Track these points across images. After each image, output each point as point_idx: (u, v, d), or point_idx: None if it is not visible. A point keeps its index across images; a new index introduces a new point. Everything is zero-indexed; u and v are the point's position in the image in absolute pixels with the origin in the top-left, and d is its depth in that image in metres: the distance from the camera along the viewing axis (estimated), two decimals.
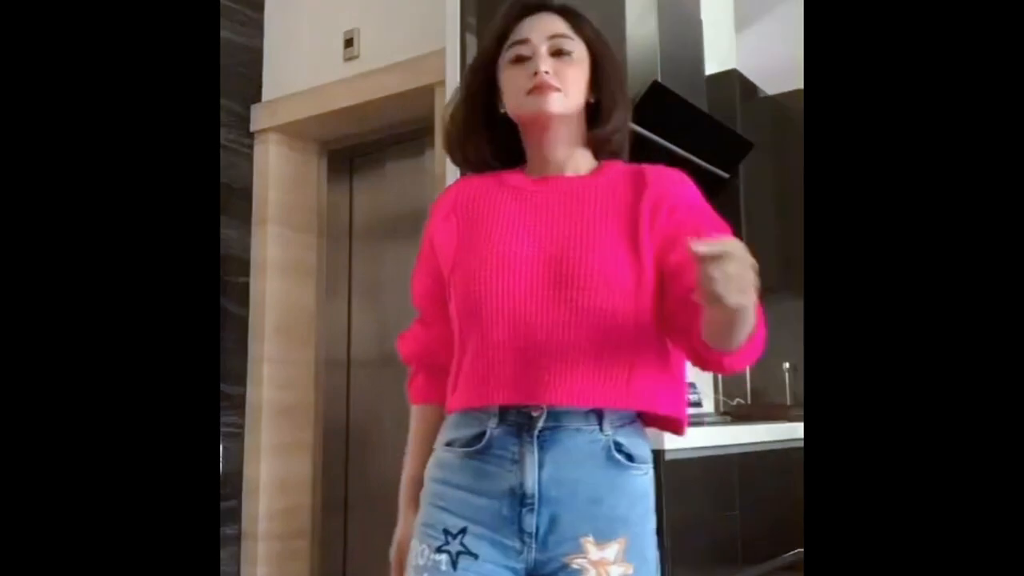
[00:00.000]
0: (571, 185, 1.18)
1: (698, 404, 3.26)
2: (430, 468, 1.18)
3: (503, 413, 1.10)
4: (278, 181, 3.23)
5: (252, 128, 3.21)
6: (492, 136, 1.23)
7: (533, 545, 1.08)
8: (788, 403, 3.40)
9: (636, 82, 2.83)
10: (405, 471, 1.27)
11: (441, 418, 1.20)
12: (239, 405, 3.03)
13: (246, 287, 3.11)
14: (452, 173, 2.31)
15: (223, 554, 2.94)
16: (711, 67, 3.45)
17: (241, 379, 3.06)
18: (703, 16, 3.49)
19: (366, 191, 3.39)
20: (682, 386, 1.18)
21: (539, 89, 1.13)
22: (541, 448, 1.08)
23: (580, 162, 1.21)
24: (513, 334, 1.09)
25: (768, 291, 3.85)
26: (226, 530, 2.97)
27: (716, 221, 1.15)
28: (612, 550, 1.08)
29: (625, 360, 1.09)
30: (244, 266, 3.10)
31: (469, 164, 1.27)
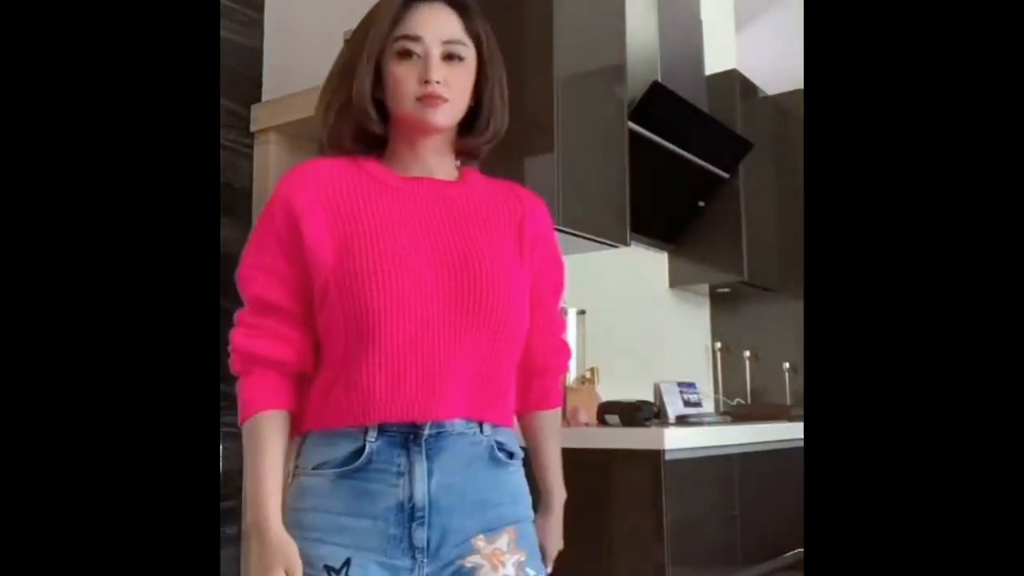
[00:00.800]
0: (447, 191, 1.15)
1: (698, 404, 3.26)
2: (292, 498, 1.08)
3: (383, 426, 1.04)
4: (278, 181, 3.23)
5: (252, 128, 3.21)
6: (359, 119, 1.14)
7: (424, 560, 1.03)
8: (788, 403, 3.40)
9: (636, 82, 2.83)
10: (267, 498, 1.05)
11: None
12: None
13: None
14: None
15: (223, 554, 2.94)
16: (711, 67, 3.45)
17: None
18: (703, 16, 3.49)
19: None
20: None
21: (429, 100, 1.09)
22: (429, 457, 1.04)
23: (448, 165, 1.18)
24: (411, 348, 1.03)
25: (768, 291, 3.87)
26: (226, 530, 2.97)
27: (560, 263, 1.26)
28: (503, 540, 1.08)
29: (510, 374, 1.14)
30: None
31: (330, 142, 1.18)
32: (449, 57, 1.11)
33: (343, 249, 1.07)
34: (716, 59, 3.56)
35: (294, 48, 3.24)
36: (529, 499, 1.16)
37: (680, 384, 3.24)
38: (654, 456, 1.95)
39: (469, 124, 1.17)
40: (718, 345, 3.65)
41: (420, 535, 1.03)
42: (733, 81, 3.45)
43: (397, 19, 1.11)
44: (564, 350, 1.28)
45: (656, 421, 2.36)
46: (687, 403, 3.20)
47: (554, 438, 1.28)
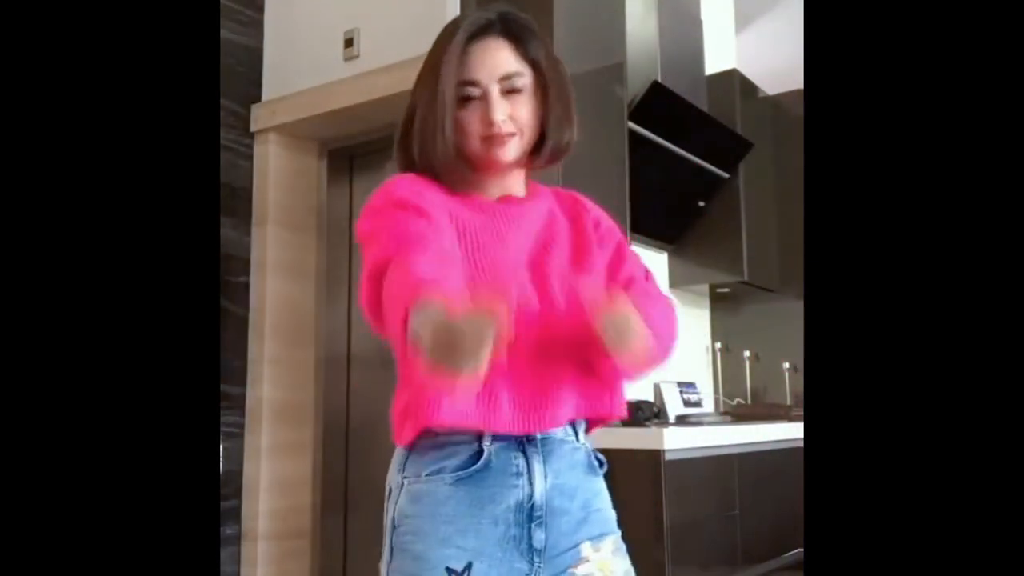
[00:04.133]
0: (526, 206, 1.17)
1: (698, 404, 3.26)
2: (406, 506, 1.08)
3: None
4: (278, 181, 3.23)
5: (252, 128, 3.21)
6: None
7: (541, 564, 1.05)
8: (788, 403, 3.40)
9: (636, 82, 2.83)
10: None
11: None
12: (239, 405, 3.03)
13: (246, 287, 3.11)
14: None
15: (223, 554, 2.94)
16: (711, 67, 3.45)
17: (241, 379, 3.06)
18: (703, 16, 3.49)
19: (366, 191, 3.37)
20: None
21: (496, 139, 1.10)
22: (545, 459, 1.07)
23: (520, 183, 1.20)
24: (512, 357, 0.99)
25: (768, 291, 3.86)
26: (226, 530, 2.97)
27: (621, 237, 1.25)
28: (607, 548, 1.09)
29: (601, 373, 1.10)
30: (244, 266, 3.10)
31: (407, 171, 1.16)
32: (509, 92, 1.12)
33: (470, 263, 1.07)
34: (716, 59, 3.56)
35: (294, 48, 3.24)
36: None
37: (680, 384, 3.24)
38: (654, 456, 1.95)
39: (536, 146, 1.16)
40: (718, 345, 3.65)
41: (539, 536, 1.05)
42: (733, 81, 3.45)
43: (459, 65, 1.13)
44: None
45: (656, 421, 2.36)
46: (687, 403, 3.20)
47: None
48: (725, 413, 3.34)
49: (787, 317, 3.53)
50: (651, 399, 2.97)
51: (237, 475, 3.02)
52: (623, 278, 1.17)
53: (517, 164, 1.17)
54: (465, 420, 1.03)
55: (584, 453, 1.12)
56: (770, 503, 2.40)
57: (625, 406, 1.18)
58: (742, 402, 3.51)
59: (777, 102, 3.66)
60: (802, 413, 2.84)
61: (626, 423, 2.27)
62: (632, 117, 2.67)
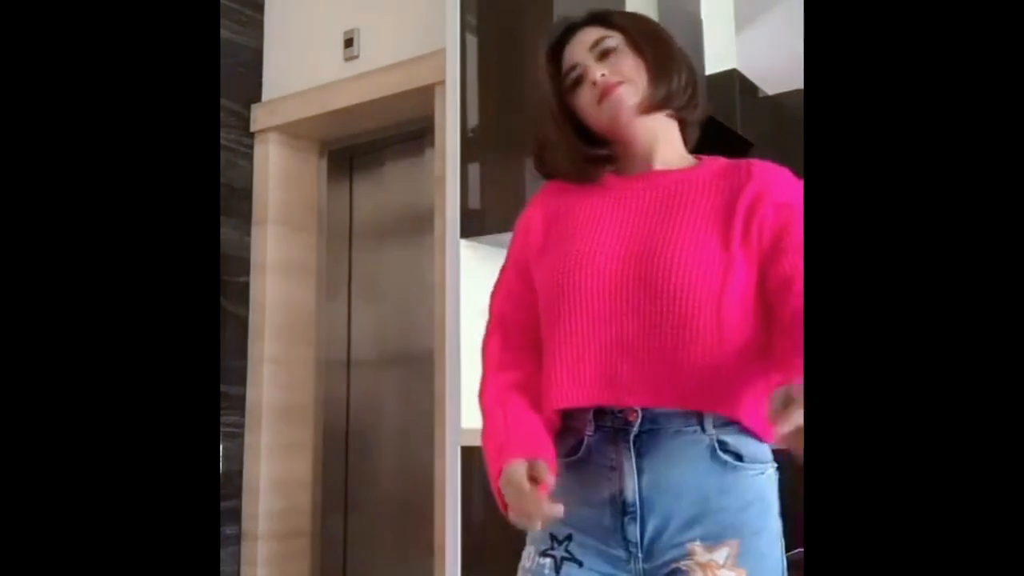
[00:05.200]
0: (662, 180, 1.17)
1: None
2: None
3: (598, 418, 1.08)
4: (278, 181, 3.23)
5: (252, 128, 3.21)
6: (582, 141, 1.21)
7: (639, 554, 1.05)
8: None
9: None
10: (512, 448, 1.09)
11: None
12: (239, 405, 3.03)
13: (246, 287, 3.11)
14: (452, 173, 2.31)
15: (223, 554, 2.94)
16: (711, 67, 3.45)
17: (241, 379, 3.06)
18: (703, 16, 3.49)
19: (366, 191, 3.39)
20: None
21: (606, 94, 1.15)
22: (639, 454, 1.05)
23: (669, 155, 1.20)
24: (588, 341, 1.08)
25: None
26: (226, 530, 2.97)
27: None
28: (722, 553, 1.04)
29: (702, 363, 1.04)
30: (244, 266, 3.10)
31: (548, 174, 1.28)
32: (604, 55, 1.17)
33: (548, 248, 1.18)
34: (716, 59, 3.56)
35: (294, 48, 3.24)
36: (771, 510, 1.09)
37: None
38: None
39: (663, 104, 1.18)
40: None
41: (632, 530, 1.06)
42: (733, 81, 3.44)
43: (559, 62, 1.21)
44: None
45: None
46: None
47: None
48: None
49: None
50: None
51: (237, 475, 3.02)
52: (775, 278, 1.06)
53: (660, 131, 1.18)
54: (567, 400, 1.09)
55: (707, 446, 1.05)
56: None
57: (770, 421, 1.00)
58: None
59: (777, 102, 3.65)
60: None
61: None
62: None
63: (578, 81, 1.18)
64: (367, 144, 3.32)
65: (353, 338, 3.29)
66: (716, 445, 1.05)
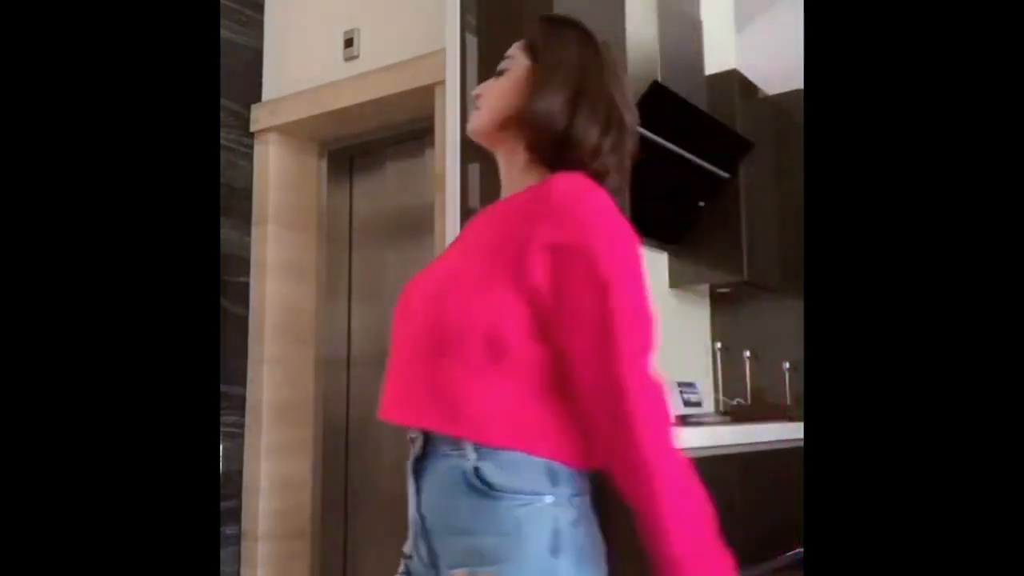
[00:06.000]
0: (494, 208, 1.19)
1: (698, 404, 3.26)
2: None
3: (412, 439, 1.11)
4: (278, 181, 3.23)
5: (252, 128, 3.21)
6: None
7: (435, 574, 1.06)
8: (788, 403, 3.40)
9: (636, 82, 2.83)
10: None
11: None
12: (239, 405, 3.03)
13: (246, 287, 3.11)
14: (452, 173, 2.31)
15: (223, 554, 2.94)
16: (711, 67, 3.45)
17: (241, 379, 3.06)
18: (703, 16, 3.49)
19: (366, 191, 3.39)
20: (566, 431, 1.04)
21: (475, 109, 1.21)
22: (416, 474, 1.08)
23: (514, 179, 1.18)
24: (392, 364, 1.14)
25: (768, 291, 3.85)
26: (226, 530, 2.97)
27: (604, 281, 0.99)
28: None
29: (464, 390, 1.02)
30: (244, 266, 3.10)
31: None
32: (499, 74, 1.21)
33: None
34: (716, 59, 3.56)
35: (294, 48, 3.23)
36: (532, 541, 0.99)
37: (680, 384, 3.24)
38: None
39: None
40: (718, 345, 3.64)
41: (422, 549, 1.08)
42: (733, 81, 3.44)
43: None
44: (624, 392, 0.98)
45: None
46: (687, 403, 3.20)
47: (652, 499, 1.01)
48: (725, 413, 3.33)
49: (787, 317, 3.53)
50: None
51: (237, 475, 3.02)
52: (557, 343, 1.01)
53: (525, 162, 1.17)
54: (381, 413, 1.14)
55: (461, 471, 1.01)
56: (770, 503, 2.40)
57: (628, 447, 0.99)
58: (742, 402, 3.51)
59: (777, 102, 3.66)
60: (802, 413, 2.84)
61: None
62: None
63: None
64: (367, 144, 3.32)
65: (353, 338, 3.29)
66: (471, 471, 1.01)
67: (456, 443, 1.03)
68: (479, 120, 1.20)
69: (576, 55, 1.17)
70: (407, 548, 1.13)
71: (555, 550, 0.99)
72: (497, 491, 1.00)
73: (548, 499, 1.01)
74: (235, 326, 3.03)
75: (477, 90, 1.20)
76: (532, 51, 1.18)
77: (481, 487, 1.00)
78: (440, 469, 1.05)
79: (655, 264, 3.42)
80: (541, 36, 1.20)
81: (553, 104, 1.12)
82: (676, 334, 3.51)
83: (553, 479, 1.02)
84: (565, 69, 1.15)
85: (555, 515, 1.01)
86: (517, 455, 1.02)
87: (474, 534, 1.00)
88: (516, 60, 1.19)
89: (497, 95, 1.18)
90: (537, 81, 1.14)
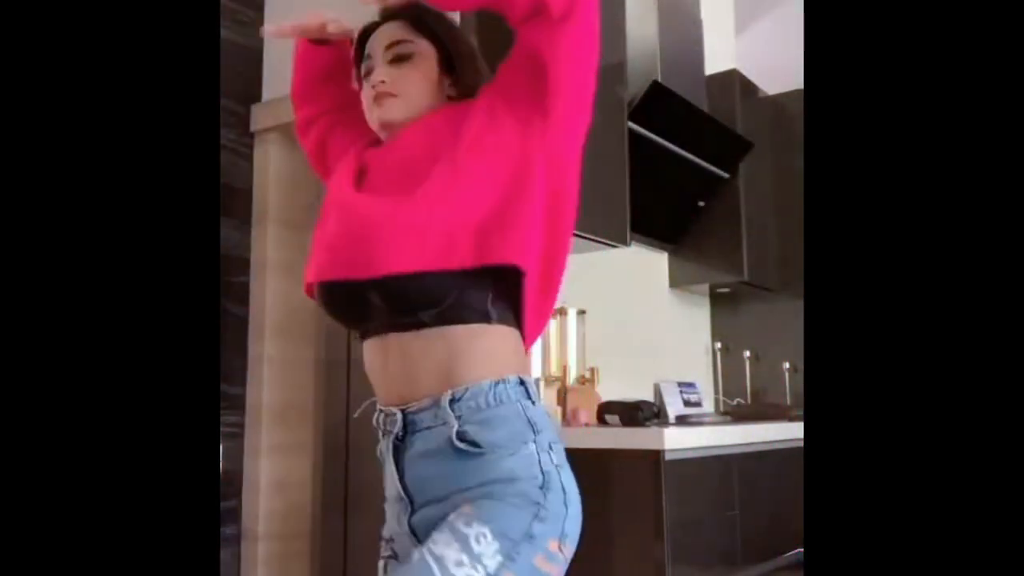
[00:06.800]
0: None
1: (698, 404, 3.26)
2: None
3: (384, 418, 1.17)
4: (278, 181, 3.22)
5: (252, 128, 3.21)
6: None
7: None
8: (788, 403, 3.40)
9: (636, 82, 2.83)
10: None
11: None
12: (239, 405, 3.03)
13: (246, 287, 3.11)
14: None
15: (223, 554, 2.94)
16: (711, 67, 3.45)
17: (241, 379, 3.06)
18: (703, 16, 3.49)
19: None
20: None
21: (378, 99, 1.20)
22: (398, 451, 1.13)
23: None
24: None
25: (768, 291, 3.85)
26: (226, 530, 2.97)
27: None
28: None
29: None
30: (244, 266, 3.10)
31: None
32: (398, 60, 1.22)
33: None
34: (716, 59, 3.56)
35: (294, 48, 3.23)
36: (531, 480, 1.06)
37: (680, 384, 3.24)
38: (654, 456, 1.95)
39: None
40: (718, 345, 3.64)
41: (404, 525, 1.16)
42: (733, 81, 3.45)
43: (361, 52, 1.27)
44: None
45: (656, 421, 2.36)
46: (687, 403, 3.20)
47: None
48: (725, 413, 3.34)
49: (787, 317, 3.53)
50: (651, 399, 2.97)
51: (237, 475, 3.02)
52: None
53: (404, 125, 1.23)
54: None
55: (446, 438, 1.09)
56: (770, 503, 2.40)
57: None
58: (742, 402, 3.51)
59: (777, 102, 3.66)
60: (802, 413, 2.84)
61: (626, 423, 2.27)
62: (632, 117, 2.67)
63: (368, 72, 1.24)
64: None
65: (353, 339, 3.29)
66: (456, 436, 1.07)
67: (436, 413, 1.09)
68: (397, 111, 1.21)
69: (461, 29, 1.28)
70: (386, 532, 1.17)
71: (545, 487, 1.07)
72: (483, 448, 1.07)
73: (531, 446, 1.09)
74: (235, 326, 3.03)
75: (381, 76, 1.20)
76: (432, 37, 1.23)
77: (468, 448, 1.07)
78: (424, 441, 1.10)
79: (655, 264, 3.43)
80: (430, 17, 1.24)
81: (479, 81, 1.24)
82: (676, 334, 3.51)
83: (534, 428, 1.10)
84: (472, 51, 1.27)
85: (540, 459, 1.08)
86: (501, 410, 1.08)
87: (468, 490, 1.06)
88: (418, 46, 1.22)
89: (416, 86, 1.21)
90: (460, 69, 1.24)
